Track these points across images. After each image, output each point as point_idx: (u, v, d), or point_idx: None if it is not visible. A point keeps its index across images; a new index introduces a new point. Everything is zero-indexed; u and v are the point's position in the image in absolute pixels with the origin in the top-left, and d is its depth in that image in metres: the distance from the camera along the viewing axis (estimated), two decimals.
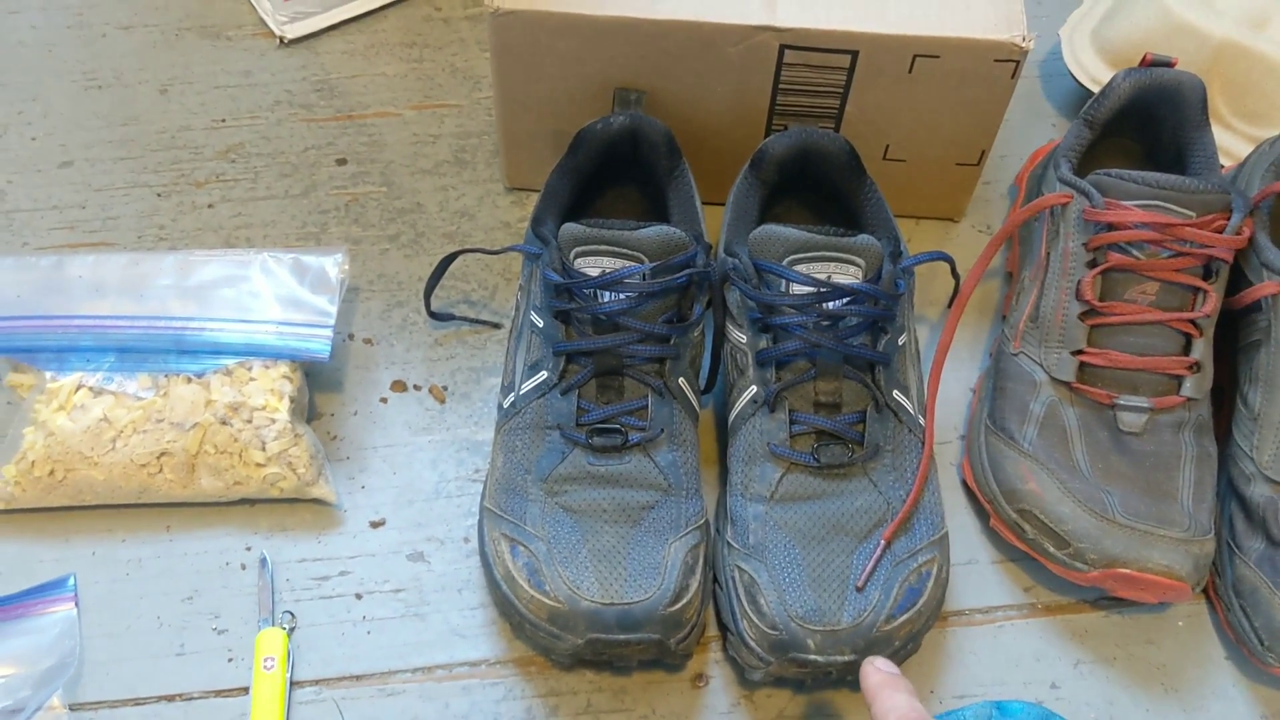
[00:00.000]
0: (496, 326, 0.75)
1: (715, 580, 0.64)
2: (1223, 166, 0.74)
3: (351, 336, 0.75)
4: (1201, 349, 0.66)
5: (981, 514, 0.70)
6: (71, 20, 0.89)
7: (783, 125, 0.74)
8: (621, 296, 0.63)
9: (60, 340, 0.67)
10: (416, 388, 0.73)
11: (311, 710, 0.63)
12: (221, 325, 0.68)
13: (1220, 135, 0.80)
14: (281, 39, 0.87)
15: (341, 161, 0.82)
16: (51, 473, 0.65)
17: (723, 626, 0.64)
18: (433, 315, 0.74)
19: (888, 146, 0.76)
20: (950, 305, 0.76)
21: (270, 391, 0.67)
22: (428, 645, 0.65)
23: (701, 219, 0.70)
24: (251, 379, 0.67)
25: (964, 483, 0.71)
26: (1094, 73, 0.83)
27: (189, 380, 0.66)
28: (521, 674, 0.64)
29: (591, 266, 0.64)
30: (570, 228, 0.64)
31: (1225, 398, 0.70)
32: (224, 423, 0.66)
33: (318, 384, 0.73)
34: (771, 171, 0.70)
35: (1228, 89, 0.80)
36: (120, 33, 0.88)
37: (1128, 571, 0.62)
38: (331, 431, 0.71)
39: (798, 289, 0.64)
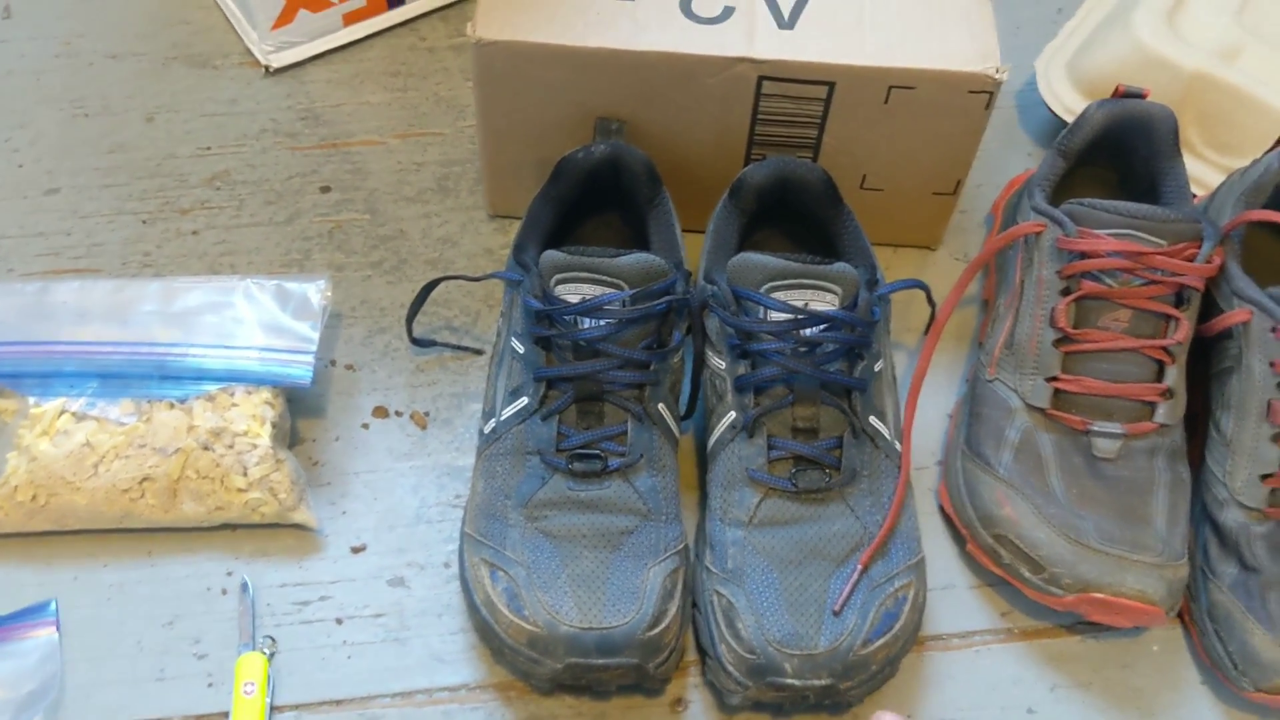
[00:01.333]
0: (478, 353, 0.76)
1: (694, 605, 0.65)
2: (1195, 196, 0.75)
3: (334, 363, 0.75)
4: (1174, 376, 0.67)
5: (958, 539, 0.70)
6: (59, 49, 0.89)
7: (761, 155, 0.75)
8: (602, 323, 0.64)
9: (44, 365, 0.68)
10: (398, 414, 0.74)
11: None
12: (204, 351, 0.68)
13: (1193, 165, 0.81)
14: (267, 68, 0.88)
15: (325, 189, 0.83)
16: (34, 498, 0.66)
17: (701, 651, 0.64)
18: (415, 341, 0.75)
19: (865, 176, 0.77)
20: (926, 332, 0.77)
21: (252, 417, 0.67)
22: (408, 670, 0.65)
23: (681, 247, 0.71)
24: (234, 404, 0.67)
25: (941, 508, 0.71)
26: (1069, 103, 0.84)
27: (172, 406, 0.67)
28: (501, 699, 0.64)
29: (572, 293, 0.65)
30: (551, 255, 0.65)
31: (1199, 424, 0.70)
32: (206, 448, 0.66)
33: (300, 410, 0.73)
34: (750, 200, 0.71)
35: (1200, 120, 0.82)
36: (108, 61, 0.89)
37: (1102, 596, 0.63)
38: (313, 457, 0.72)
39: (775, 316, 0.65)
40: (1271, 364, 0.65)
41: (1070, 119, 0.82)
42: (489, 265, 0.80)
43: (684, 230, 0.72)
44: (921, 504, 0.72)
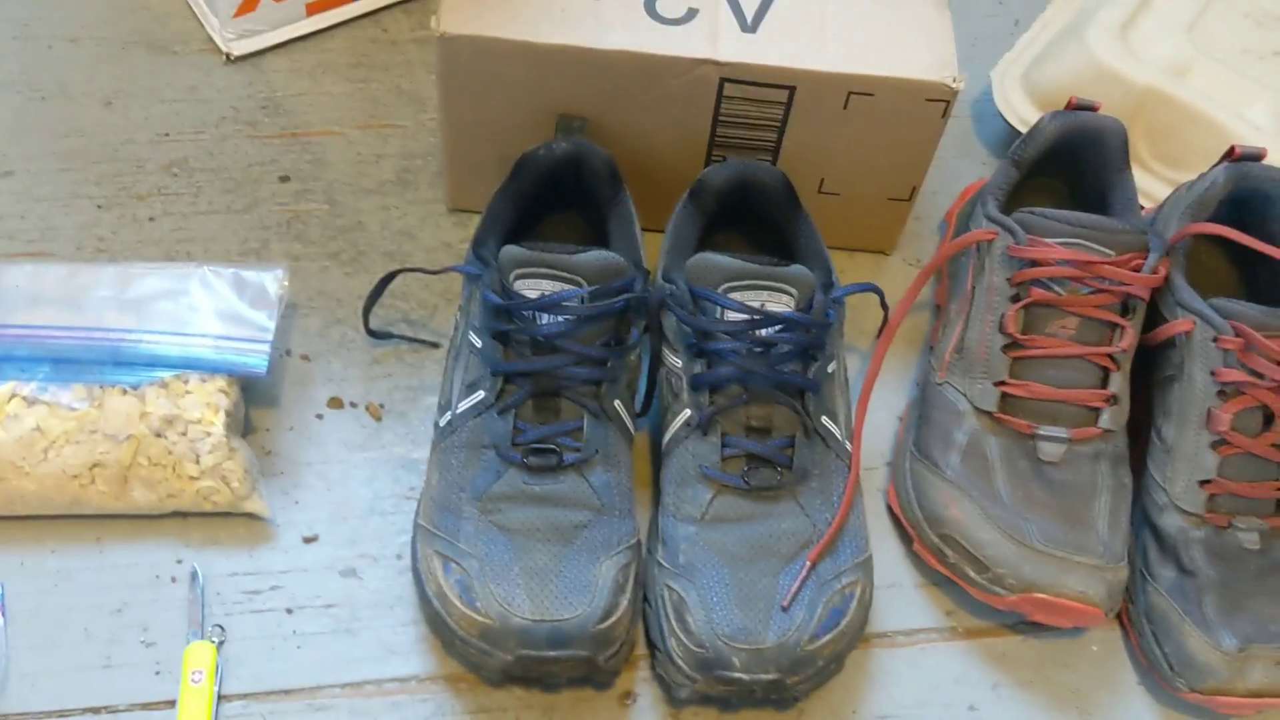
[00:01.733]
0: (435, 346, 0.76)
1: (645, 599, 0.65)
2: (1143, 208, 0.77)
3: (289, 353, 0.75)
4: (1119, 383, 0.69)
5: (905, 539, 0.71)
6: (17, 31, 0.88)
7: (722, 156, 0.76)
8: (560, 319, 0.64)
9: None
10: (353, 405, 0.74)
11: None
12: (159, 338, 0.68)
13: (1142, 178, 0.83)
14: (228, 56, 0.88)
15: (285, 179, 0.83)
16: None
17: (651, 645, 0.65)
18: (371, 333, 0.75)
19: (823, 180, 0.78)
20: (879, 335, 0.78)
21: (206, 405, 0.67)
22: (358, 661, 0.65)
23: (641, 246, 0.71)
24: (188, 392, 0.67)
25: (889, 508, 0.73)
26: (1023, 114, 0.86)
27: (124, 392, 0.66)
28: (451, 690, 0.65)
29: (531, 289, 0.65)
30: (511, 250, 0.65)
31: (1141, 431, 0.72)
32: (158, 435, 0.66)
33: (254, 399, 0.73)
34: (710, 201, 0.72)
35: (1150, 134, 0.83)
36: (67, 45, 0.88)
37: (1044, 596, 0.64)
38: (266, 447, 0.72)
39: (732, 316, 0.65)
40: (1212, 373, 0.67)
41: (1024, 129, 0.84)
42: (448, 259, 0.80)
43: (643, 230, 0.73)
44: (870, 504, 0.73)
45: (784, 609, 0.61)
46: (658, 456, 0.70)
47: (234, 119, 0.85)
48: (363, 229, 0.81)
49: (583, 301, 0.64)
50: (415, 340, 0.76)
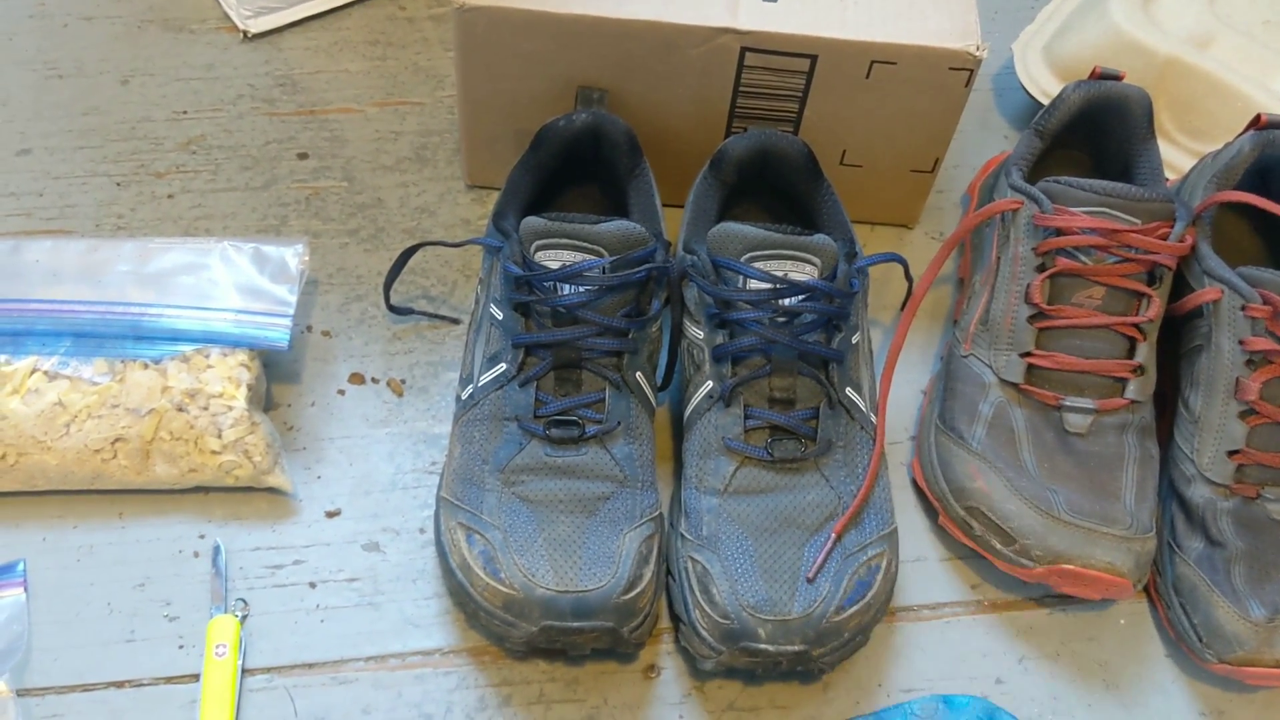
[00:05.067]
0: (455, 322, 0.76)
1: (669, 572, 0.65)
2: (1167, 180, 0.76)
3: (310, 329, 0.75)
4: (1145, 353, 0.68)
5: (931, 512, 0.71)
6: (33, 10, 0.88)
7: (742, 128, 0.75)
8: (581, 290, 0.64)
9: (15, 324, 0.67)
10: (374, 380, 0.73)
11: (263, 698, 0.63)
12: (180, 312, 0.68)
13: (1165, 150, 0.83)
14: (245, 33, 0.87)
15: (303, 156, 0.82)
16: (4, 457, 0.65)
17: (675, 618, 0.64)
18: (391, 309, 0.74)
19: (845, 151, 0.77)
20: (903, 307, 0.78)
21: (227, 379, 0.67)
22: (381, 634, 0.65)
23: (661, 217, 0.71)
24: (209, 366, 0.67)
25: (914, 481, 0.72)
26: (1045, 86, 0.85)
27: (146, 366, 0.66)
28: (475, 663, 0.64)
29: (552, 260, 0.65)
30: (531, 221, 0.65)
31: (1168, 402, 0.71)
32: (180, 409, 0.66)
33: (276, 375, 0.73)
34: (731, 172, 0.71)
35: (1173, 105, 0.83)
36: (82, 23, 0.88)
37: (1072, 568, 0.63)
38: (288, 422, 0.71)
39: (754, 285, 0.65)
40: (1240, 342, 0.66)
41: (1046, 102, 0.83)
42: (466, 235, 0.80)
43: (664, 205, 0.72)
44: (894, 478, 0.72)
45: (809, 581, 0.61)
46: (679, 430, 0.70)
47: (251, 96, 0.85)
48: (381, 206, 0.81)
49: (604, 272, 0.64)
50: (435, 316, 0.76)
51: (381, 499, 0.69)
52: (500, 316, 0.66)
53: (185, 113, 0.84)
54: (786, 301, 0.65)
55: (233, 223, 0.79)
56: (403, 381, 0.73)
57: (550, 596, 0.59)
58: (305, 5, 0.88)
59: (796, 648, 0.60)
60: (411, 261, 0.78)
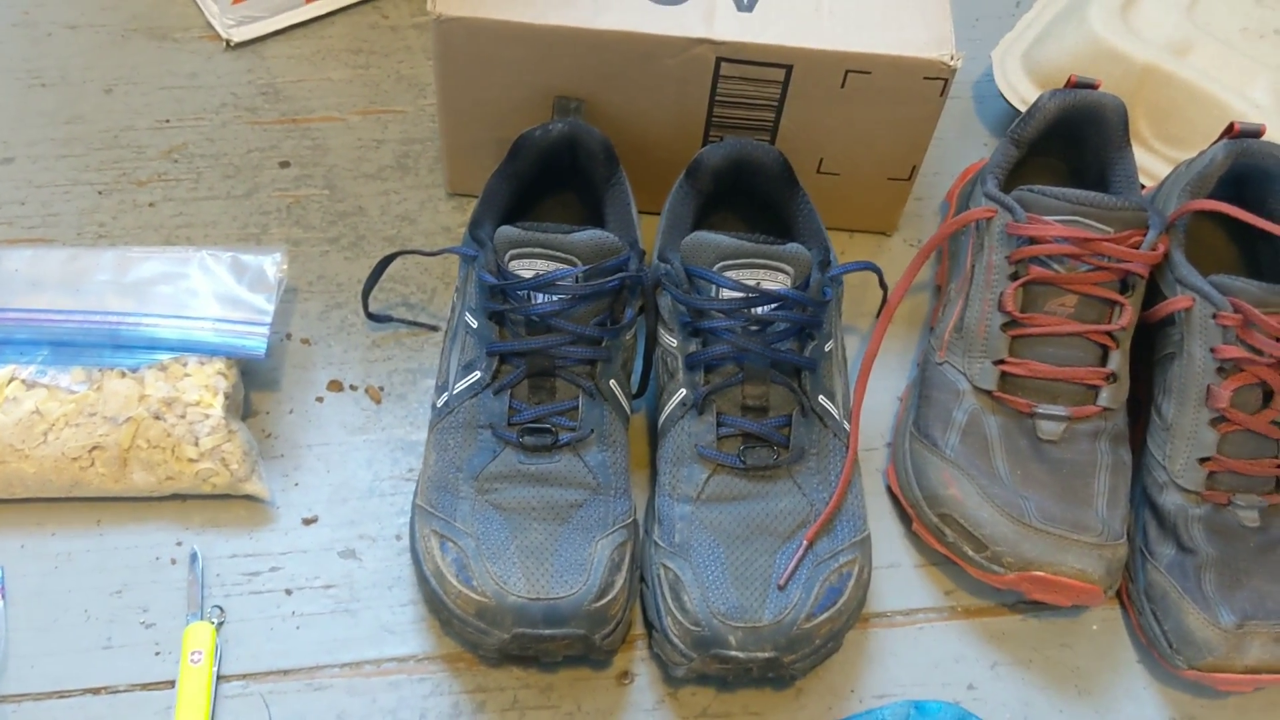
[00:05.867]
0: (434, 329, 0.76)
1: (642, 579, 0.65)
2: (1143, 187, 0.77)
3: (289, 336, 0.75)
4: (1118, 360, 0.68)
5: (905, 518, 0.71)
6: (17, 18, 0.89)
7: (719, 137, 0.76)
8: (554, 298, 0.64)
9: None
10: (353, 388, 0.74)
11: (238, 704, 0.63)
12: (158, 321, 0.68)
13: (1143, 157, 0.83)
14: (228, 42, 0.88)
15: (285, 164, 0.83)
16: None
17: (648, 625, 0.65)
18: (370, 316, 0.75)
19: (822, 160, 0.78)
20: (879, 315, 0.78)
21: (205, 387, 0.67)
22: (357, 641, 0.65)
23: (637, 226, 0.71)
24: (186, 374, 0.67)
25: (889, 488, 0.72)
26: (1024, 94, 0.85)
27: (123, 375, 0.67)
28: (449, 670, 0.65)
29: (526, 269, 0.65)
30: (506, 230, 0.65)
31: (1142, 409, 0.72)
32: (157, 417, 0.66)
33: (254, 383, 0.73)
34: (706, 181, 0.71)
35: (1151, 113, 0.83)
36: (67, 32, 0.89)
37: (1043, 574, 0.64)
38: (267, 429, 0.72)
39: (727, 294, 0.65)
40: (1211, 350, 0.66)
41: (1025, 109, 0.83)
42: (447, 243, 0.80)
43: (641, 213, 0.73)
44: (870, 485, 0.73)
45: (780, 588, 0.61)
46: (655, 437, 0.70)
47: (234, 105, 0.86)
48: (363, 214, 0.81)
49: (576, 281, 0.64)
50: (414, 323, 0.76)
51: (359, 506, 0.70)
52: (475, 325, 0.66)
53: (168, 121, 0.84)
54: (759, 310, 0.65)
55: (214, 231, 0.79)
56: (381, 389, 0.74)
57: (522, 604, 0.60)
58: (288, 14, 0.89)
59: (767, 654, 0.60)
60: (391, 269, 0.78)
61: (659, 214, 0.75)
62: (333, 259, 0.79)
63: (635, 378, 0.71)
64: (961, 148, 0.88)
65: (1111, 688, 0.67)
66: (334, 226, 0.80)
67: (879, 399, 0.76)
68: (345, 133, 0.85)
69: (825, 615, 0.61)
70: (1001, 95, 0.86)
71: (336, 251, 0.79)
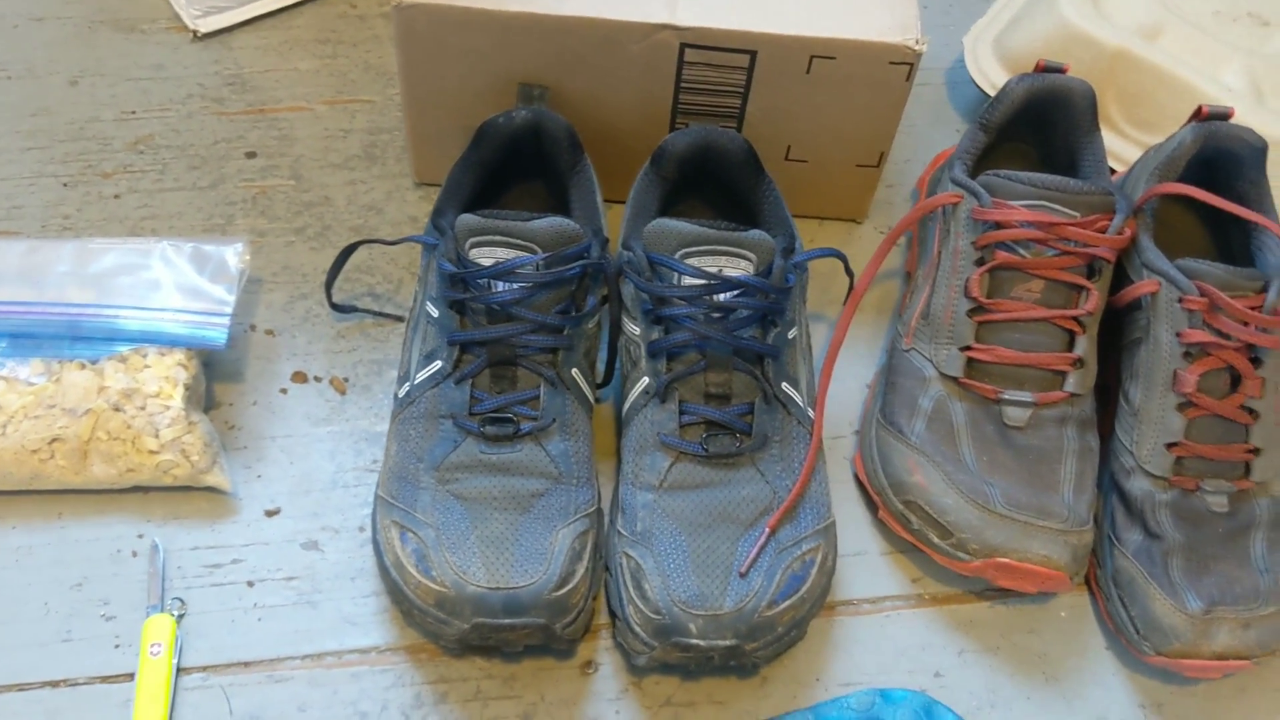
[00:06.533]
0: (399, 320, 0.76)
1: (606, 568, 0.65)
2: (1114, 172, 0.76)
3: (254, 327, 0.75)
4: (1084, 346, 0.68)
5: (872, 506, 0.71)
6: None
7: (685, 124, 0.75)
8: (515, 286, 0.64)
9: None
10: (317, 379, 0.73)
11: (198, 696, 0.63)
12: (118, 312, 0.68)
13: (1114, 142, 0.82)
14: (195, 33, 0.87)
15: (251, 155, 0.82)
16: None
17: (612, 613, 0.64)
18: (334, 307, 0.74)
19: (789, 147, 0.77)
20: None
21: (165, 379, 0.66)
22: (318, 632, 0.65)
23: (602, 214, 0.71)
24: (146, 366, 0.67)
25: (856, 476, 0.72)
26: (995, 79, 0.85)
27: (82, 366, 0.66)
28: (412, 661, 0.64)
29: (486, 257, 0.65)
30: (466, 218, 0.65)
31: (1110, 395, 0.71)
32: (117, 409, 0.66)
33: (218, 374, 0.73)
34: (672, 168, 0.71)
35: (1121, 97, 0.83)
36: (33, 24, 0.88)
37: (1008, 561, 0.63)
38: (230, 421, 0.71)
39: (688, 281, 0.65)
40: (1177, 334, 0.66)
41: None
42: (414, 233, 0.79)
43: (609, 202, 0.72)
44: (838, 473, 0.72)
45: (742, 575, 0.61)
46: (621, 426, 0.70)
47: (200, 96, 0.85)
48: (329, 204, 0.81)
49: (537, 268, 0.64)
50: (379, 314, 0.76)
51: (322, 498, 0.69)
52: (436, 314, 0.66)
53: (134, 113, 0.84)
54: (721, 297, 0.65)
55: (179, 222, 0.79)
56: (345, 380, 0.73)
57: (481, 594, 0.59)
58: (256, 4, 0.88)
59: (728, 642, 0.60)
60: (357, 259, 0.78)
61: (625, 203, 0.74)
62: (298, 249, 0.78)
63: (600, 366, 0.71)
64: (933, 135, 0.88)
65: (1079, 674, 0.66)
66: (300, 217, 0.80)
67: (848, 386, 0.75)
68: (312, 123, 0.84)
69: (788, 603, 0.61)
70: (973, 81, 0.86)
71: (302, 242, 0.79)
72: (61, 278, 0.69)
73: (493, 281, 0.64)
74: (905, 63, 0.71)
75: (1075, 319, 0.68)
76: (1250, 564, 0.64)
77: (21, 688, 0.62)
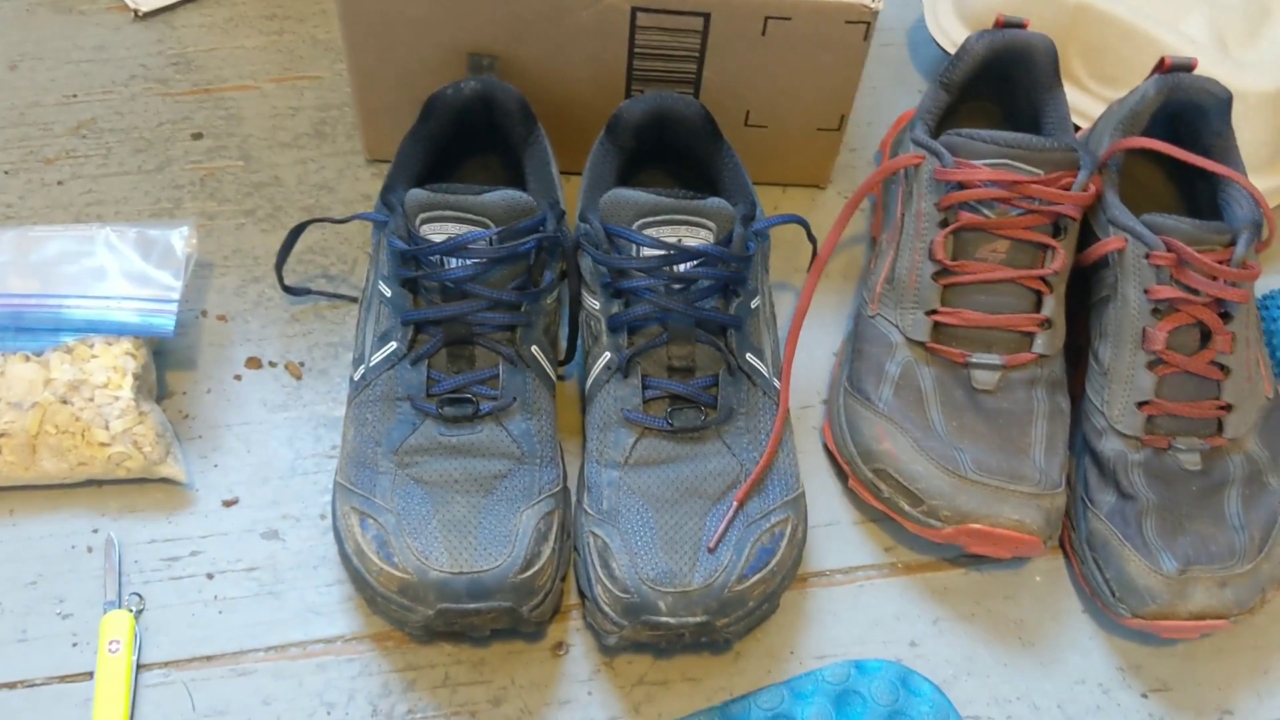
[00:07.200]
0: (354, 301, 0.74)
1: (575, 548, 0.64)
2: (1078, 129, 0.75)
3: (205, 313, 0.73)
4: (1052, 306, 0.67)
5: (842, 476, 0.70)
6: None
7: (640, 91, 0.74)
8: (468, 263, 0.62)
9: None
10: (272, 364, 0.72)
11: (159, 693, 0.61)
12: (62, 301, 0.66)
13: (1078, 98, 0.81)
14: (136, 12, 0.85)
15: (197, 136, 0.80)
16: None
17: (581, 594, 0.63)
18: (287, 289, 0.73)
19: (748, 112, 0.76)
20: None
21: (113, 369, 0.65)
22: (282, 623, 0.64)
23: (559, 186, 0.69)
24: (93, 356, 0.65)
25: (825, 446, 0.71)
26: (955, 37, 0.84)
27: (27, 359, 0.64)
28: (378, 649, 0.63)
29: (437, 233, 0.63)
30: (415, 193, 0.63)
31: (1081, 355, 0.70)
32: (64, 401, 0.64)
33: (170, 362, 0.71)
34: (628, 137, 0.69)
35: (1085, 52, 0.81)
36: None
37: (980, 527, 0.62)
38: (183, 410, 0.70)
39: (647, 253, 0.63)
40: (1145, 291, 0.65)
41: None
42: (367, 211, 0.77)
43: (567, 175, 0.71)
44: (807, 443, 0.71)
45: (710, 550, 0.60)
46: (585, 403, 0.68)
47: (144, 77, 0.83)
48: (279, 184, 0.79)
49: (490, 243, 0.62)
50: (334, 295, 0.74)
51: (281, 486, 0.68)
52: (389, 294, 0.64)
53: (75, 96, 0.82)
54: (680, 268, 0.63)
55: (125, 208, 0.77)
56: (301, 364, 0.72)
57: (444, 579, 0.58)
58: None
59: (699, 619, 0.58)
60: (310, 240, 0.76)
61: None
62: (249, 232, 0.76)
63: (563, 344, 0.69)
64: (896, 97, 0.86)
65: (1056, 639, 0.66)
66: (250, 198, 0.78)
67: (814, 355, 0.74)
68: (260, 101, 0.82)
69: (758, 576, 0.60)
70: (933, 40, 0.85)
71: (253, 224, 0.77)
72: (2, 268, 0.67)
73: (445, 258, 0.62)
74: (862, 21, 0.70)
75: (1042, 279, 0.67)
76: (1225, 522, 0.63)
77: None
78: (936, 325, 0.67)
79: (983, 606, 0.66)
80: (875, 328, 0.69)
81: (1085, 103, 0.81)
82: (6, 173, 0.78)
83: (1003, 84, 0.74)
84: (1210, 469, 0.65)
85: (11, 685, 0.61)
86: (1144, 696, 0.64)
